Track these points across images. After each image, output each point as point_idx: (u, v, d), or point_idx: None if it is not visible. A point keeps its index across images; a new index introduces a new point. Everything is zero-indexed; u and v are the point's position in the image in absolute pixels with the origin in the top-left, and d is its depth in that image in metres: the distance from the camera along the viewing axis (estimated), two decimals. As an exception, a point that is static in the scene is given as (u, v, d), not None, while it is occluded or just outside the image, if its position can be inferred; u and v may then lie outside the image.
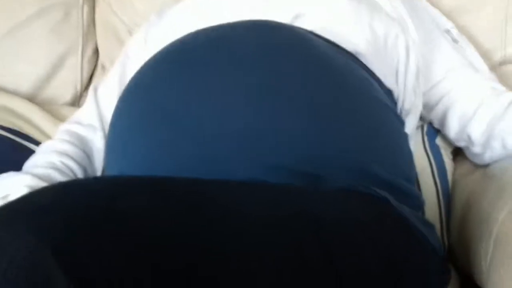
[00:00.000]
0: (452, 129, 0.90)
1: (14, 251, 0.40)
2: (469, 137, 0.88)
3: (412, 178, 0.78)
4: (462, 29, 0.98)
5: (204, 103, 0.68)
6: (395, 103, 0.82)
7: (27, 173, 0.80)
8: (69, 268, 0.39)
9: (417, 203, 0.76)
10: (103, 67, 1.17)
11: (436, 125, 0.93)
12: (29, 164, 0.84)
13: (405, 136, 0.81)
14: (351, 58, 0.78)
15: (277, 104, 0.68)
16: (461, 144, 0.91)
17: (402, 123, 0.82)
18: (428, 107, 0.90)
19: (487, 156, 0.88)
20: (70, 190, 0.48)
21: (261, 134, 0.66)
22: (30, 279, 0.39)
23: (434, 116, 0.92)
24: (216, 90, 0.69)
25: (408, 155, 0.79)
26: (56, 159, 0.83)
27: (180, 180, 0.57)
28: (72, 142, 0.86)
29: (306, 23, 0.79)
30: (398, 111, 0.83)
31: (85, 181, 0.61)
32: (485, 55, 0.99)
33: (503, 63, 1.04)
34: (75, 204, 0.45)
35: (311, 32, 0.78)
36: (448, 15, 0.99)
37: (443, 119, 0.90)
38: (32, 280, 0.39)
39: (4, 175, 0.80)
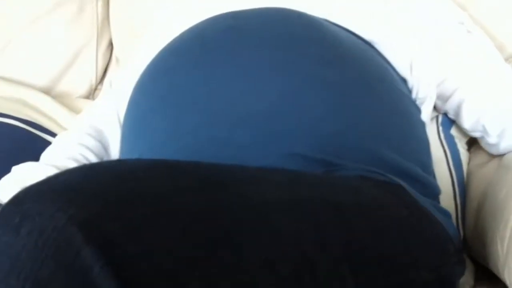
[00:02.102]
0: (467, 120, 0.89)
1: (44, 224, 0.40)
2: (484, 128, 0.88)
3: (429, 166, 0.78)
4: (474, 22, 0.97)
5: (225, 86, 0.68)
6: (409, 91, 0.81)
7: (48, 164, 0.80)
8: (98, 244, 0.39)
9: (434, 192, 0.76)
10: (118, 61, 1.18)
11: (451, 115, 0.93)
12: (48, 155, 0.85)
13: (422, 124, 0.81)
14: (368, 46, 0.78)
15: (296, 90, 0.68)
16: (476, 134, 0.91)
17: (419, 110, 0.82)
18: (443, 98, 0.90)
19: (503, 146, 0.88)
20: (95, 171, 0.48)
21: (280, 120, 0.67)
22: (59, 253, 0.39)
23: (449, 107, 0.91)
24: (238, 74, 0.69)
25: (425, 143, 0.79)
26: (76, 151, 0.84)
27: (201, 164, 0.57)
28: (90, 134, 0.87)
29: (322, 12, 0.80)
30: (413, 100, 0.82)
31: (109, 163, 0.61)
32: (498, 48, 0.98)
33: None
34: (101, 183, 0.45)
35: (327, 20, 0.78)
36: (460, 7, 0.98)
37: (458, 110, 0.90)
38: (61, 254, 0.39)
39: (23, 165, 0.81)
